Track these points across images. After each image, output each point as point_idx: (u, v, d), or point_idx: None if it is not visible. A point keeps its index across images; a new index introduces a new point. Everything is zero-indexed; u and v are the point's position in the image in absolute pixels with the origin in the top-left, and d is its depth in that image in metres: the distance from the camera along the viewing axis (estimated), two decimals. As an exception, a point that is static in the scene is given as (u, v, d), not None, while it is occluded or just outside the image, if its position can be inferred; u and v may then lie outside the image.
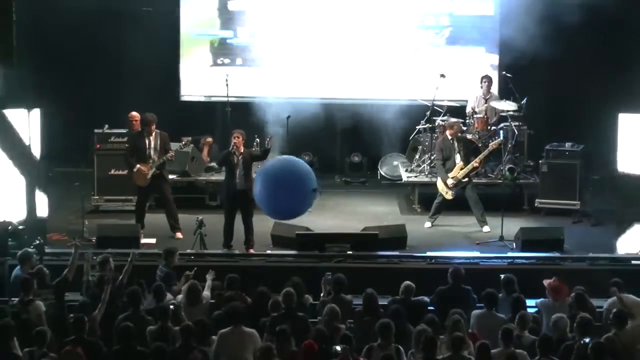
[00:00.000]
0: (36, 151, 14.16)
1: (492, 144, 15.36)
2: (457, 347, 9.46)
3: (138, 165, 14.60)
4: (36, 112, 14.03)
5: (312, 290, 11.44)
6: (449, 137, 15.23)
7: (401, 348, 9.69)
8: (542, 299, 11.14)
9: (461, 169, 14.98)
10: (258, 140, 16.66)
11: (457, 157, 15.06)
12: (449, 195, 15.06)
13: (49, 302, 10.80)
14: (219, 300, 11.06)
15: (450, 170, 15.03)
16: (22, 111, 13.90)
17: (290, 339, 9.75)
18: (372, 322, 10.12)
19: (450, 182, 14.98)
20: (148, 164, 14.59)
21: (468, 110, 16.86)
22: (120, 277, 11.15)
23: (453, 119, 16.09)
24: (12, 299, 11.10)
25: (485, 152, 15.32)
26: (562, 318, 10.17)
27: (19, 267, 11.73)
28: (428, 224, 15.30)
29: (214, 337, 10.01)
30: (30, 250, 12.17)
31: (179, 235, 14.51)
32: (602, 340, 9.57)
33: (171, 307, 10.37)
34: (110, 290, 10.71)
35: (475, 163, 15.07)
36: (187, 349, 9.64)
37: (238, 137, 13.95)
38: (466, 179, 15.03)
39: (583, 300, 10.71)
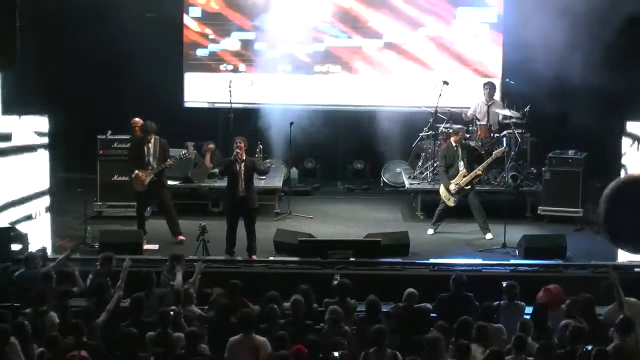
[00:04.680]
0: (44, 156, 14.20)
1: (496, 152, 15.35)
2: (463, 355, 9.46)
3: (136, 171, 14.65)
4: (42, 118, 14.06)
5: (316, 297, 11.41)
6: (454, 144, 15.22)
7: (398, 354, 9.68)
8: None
9: (464, 176, 14.97)
10: (261, 146, 16.68)
11: (461, 164, 15.06)
12: (451, 202, 15.07)
13: (52, 307, 10.79)
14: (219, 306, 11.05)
15: (453, 177, 15.02)
16: (25, 117, 13.93)
17: (288, 344, 9.73)
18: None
19: (452, 188, 14.98)
20: (147, 171, 14.64)
21: (470, 113, 16.82)
22: (118, 284, 11.19)
23: (457, 126, 16.09)
24: (17, 304, 11.09)
25: (489, 160, 15.32)
26: (569, 324, 10.13)
27: (23, 269, 11.76)
28: (431, 231, 15.30)
29: (202, 345, 10.01)
30: (35, 252, 12.20)
31: (180, 237, 14.53)
32: (609, 348, 9.53)
33: (171, 312, 10.35)
34: (116, 299, 10.77)
35: (478, 171, 15.10)
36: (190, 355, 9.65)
37: (241, 144, 13.93)
38: (469, 187, 15.04)
39: (575, 308, 10.68)
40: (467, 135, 16.19)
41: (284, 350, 9.54)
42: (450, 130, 15.93)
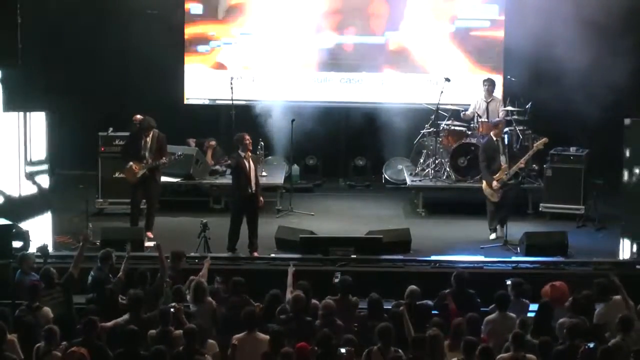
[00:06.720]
0: (41, 154, 14.18)
1: (537, 144, 14.75)
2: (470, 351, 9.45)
3: (131, 162, 14.67)
4: (41, 115, 14.05)
5: (317, 294, 11.41)
6: (494, 138, 14.76)
7: (400, 352, 9.68)
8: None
9: (505, 171, 14.52)
10: (262, 143, 16.67)
11: (502, 159, 14.61)
12: (494, 198, 14.58)
13: (57, 302, 10.81)
14: (223, 304, 11.06)
15: (496, 172, 14.54)
16: (26, 114, 13.92)
17: (283, 341, 9.70)
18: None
19: (495, 185, 14.52)
20: (141, 164, 14.66)
21: (469, 111, 16.77)
22: (118, 275, 11.29)
23: (497, 119, 15.73)
24: (17, 302, 11.08)
25: (531, 152, 14.86)
26: (565, 322, 10.13)
27: (20, 270, 11.76)
28: (493, 235, 14.72)
29: (210, 341, 10.02)
30: (27, 252, 12.19)
31: (149, 234, 14.56)
32: (609, 345, 9.52)
33: (172, 310, 10.35)
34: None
35: (520, 164, 14.62)
36: (190, 352, 9.64)
37: (249, 139, 13.86)
38: (512, 181, 14.61)
39: (578, 305, 10.66)
40: (469, 133, 16.09)
41: (282, 347, 9.54)
42: (491, 124, 15.53)
